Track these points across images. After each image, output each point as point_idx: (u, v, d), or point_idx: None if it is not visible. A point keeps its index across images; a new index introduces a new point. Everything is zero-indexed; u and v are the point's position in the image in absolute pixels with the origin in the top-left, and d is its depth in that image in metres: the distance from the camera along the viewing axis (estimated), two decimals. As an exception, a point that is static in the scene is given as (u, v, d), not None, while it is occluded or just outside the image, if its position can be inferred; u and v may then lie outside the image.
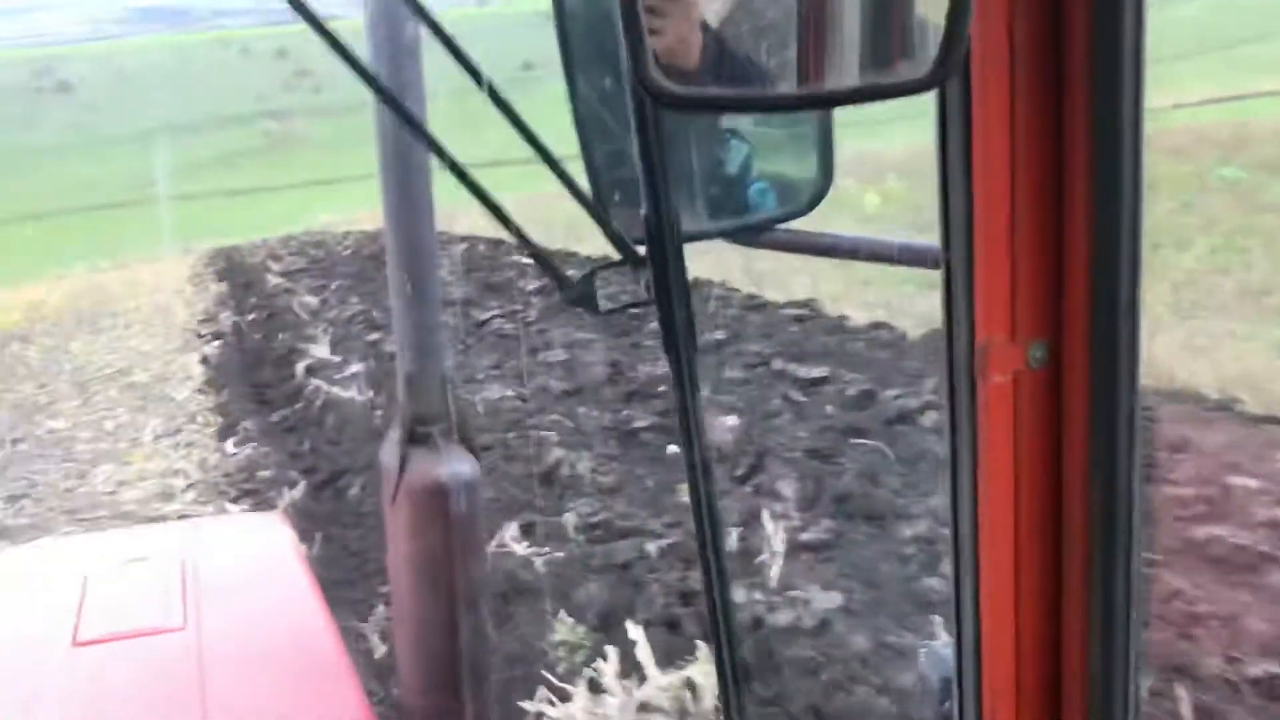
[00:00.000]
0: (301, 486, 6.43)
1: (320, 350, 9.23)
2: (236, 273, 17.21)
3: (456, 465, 1.87)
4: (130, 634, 1.74)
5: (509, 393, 7.42)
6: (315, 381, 8.38)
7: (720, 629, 1.03)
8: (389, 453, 1.91)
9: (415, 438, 1.85)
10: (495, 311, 10.31)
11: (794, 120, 1.21)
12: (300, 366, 8.96)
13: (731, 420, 6.31)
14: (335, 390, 8.01)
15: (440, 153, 1.09)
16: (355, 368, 8.58)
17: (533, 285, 11.61)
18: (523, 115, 1.08)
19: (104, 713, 1.58)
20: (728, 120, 1.20)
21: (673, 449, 5.92)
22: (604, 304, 1.05)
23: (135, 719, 1.56)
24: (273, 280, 14.43)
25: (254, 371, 9.79)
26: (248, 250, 22.83)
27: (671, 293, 0.96)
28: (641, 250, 1.00)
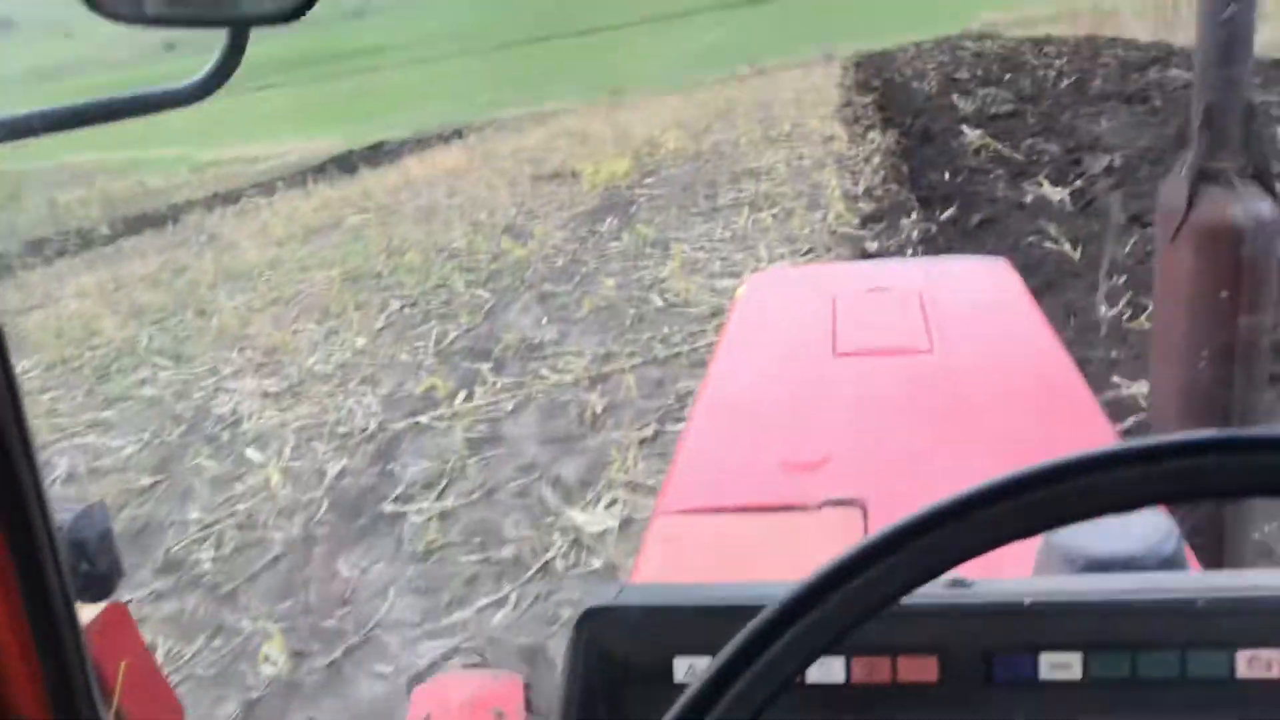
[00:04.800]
0: None
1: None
2: (896, 104, 12.02)
3: (1253, 205, 1.56)
4: (883, 350, 1.81)
5: None
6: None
7: None
8: (1174, 189, 1.62)
9: (1207, 174, 1.54)
10: None
11: None
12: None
13: None
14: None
15: None
16: None
17: None
18: None
19: (867, 414, 1.62)
20: None
21: None
22: None
23: (894, 423, 1.57)
24: (970, 137, 8.96)
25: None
26: (908, 68, 17.53)
27: None
28: None
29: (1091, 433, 1.48)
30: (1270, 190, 1.61)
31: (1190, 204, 1.61)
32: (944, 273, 2.31)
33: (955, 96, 10.99)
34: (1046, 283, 5.08)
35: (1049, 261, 5.32)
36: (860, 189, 8.03)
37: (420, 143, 27.43)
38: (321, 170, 23.52)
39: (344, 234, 10.80)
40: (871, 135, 10.15)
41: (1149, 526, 0.92)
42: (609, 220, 8.88)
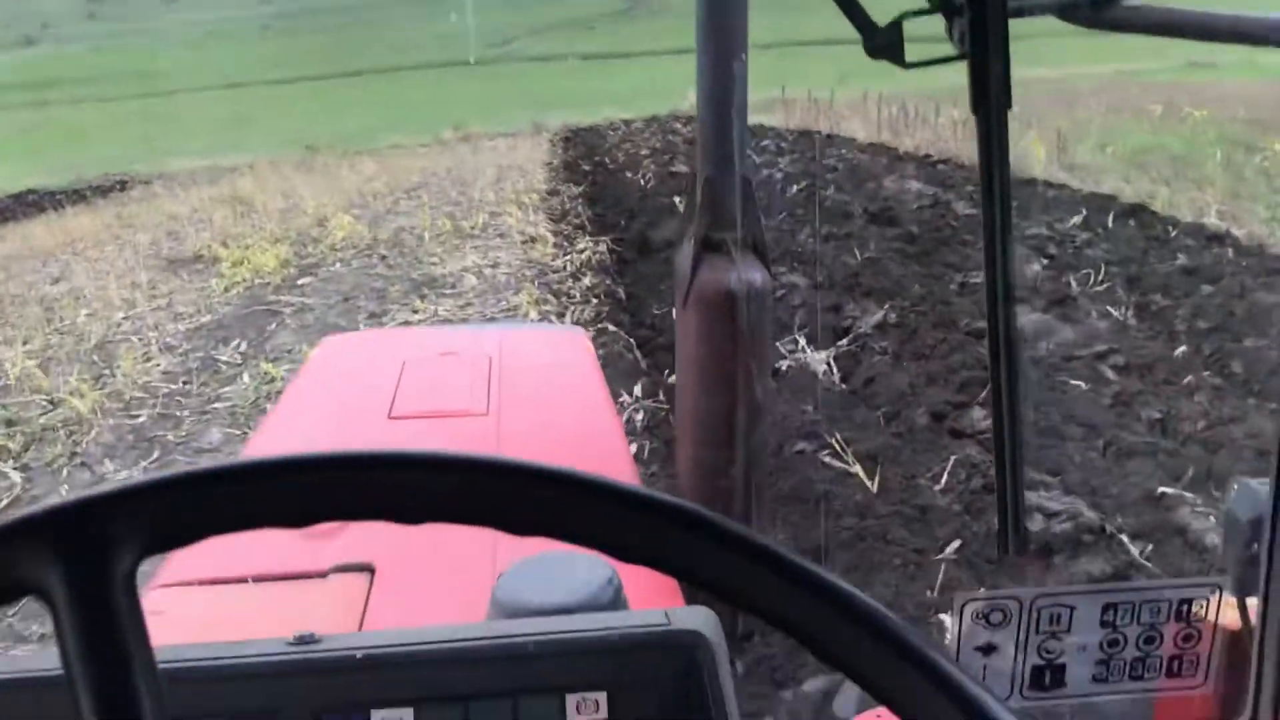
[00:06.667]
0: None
1: None
2: (609, 197, 10.41)
3: (748, 273, 1.72)
4: (439, 414, 1.76)
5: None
6: None
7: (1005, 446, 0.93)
8: (684, 258, 1.75)
9: (709, 245, 1.69)
10: None
11: None
12: None
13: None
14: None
15: None
16: None
17: None
18: None
19: None
20: None
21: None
22: (910, 56, 0.89)
23: None
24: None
25: None
26: (620, 152, 16.11)
27: (988, 44, 0.86)
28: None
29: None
30: (763, 260, 1.62)
31: (694, 272, 1.62)
32: (520, 340, 2.24)
33: (674, 198, 9.36)
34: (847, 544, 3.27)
35: (837, 495, 3.52)
36: (567, 324, 6.11)
37: (75, 194, 23.63)
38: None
39: (-121, 335, 7.81)
40: (581, 243, 8.31)
41: (592, 574, 0.89)
42: (236, 342, 6.54)
